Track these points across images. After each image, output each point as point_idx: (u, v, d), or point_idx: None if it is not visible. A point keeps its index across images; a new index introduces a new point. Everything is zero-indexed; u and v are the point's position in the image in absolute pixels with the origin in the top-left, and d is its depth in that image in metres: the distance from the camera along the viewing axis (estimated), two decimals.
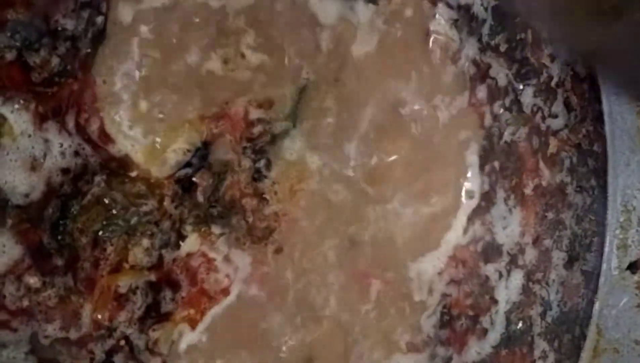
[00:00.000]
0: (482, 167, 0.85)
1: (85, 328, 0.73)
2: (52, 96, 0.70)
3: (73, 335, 0.73)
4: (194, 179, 0.76)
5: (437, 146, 0.84)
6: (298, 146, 0.80)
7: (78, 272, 0.72)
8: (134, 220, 0.74)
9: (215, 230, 0.77)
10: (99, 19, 0.72)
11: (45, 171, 0.70)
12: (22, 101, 0.69)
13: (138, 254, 0.74)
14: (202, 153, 0.76)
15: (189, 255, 0.76)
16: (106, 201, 0.73)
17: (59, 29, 0.70)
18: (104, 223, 0.73)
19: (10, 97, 0.69)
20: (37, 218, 0.71)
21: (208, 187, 0.77)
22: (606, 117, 0.89)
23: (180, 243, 0.76)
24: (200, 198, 0.76)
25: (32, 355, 0.71)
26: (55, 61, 0.70)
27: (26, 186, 0.69)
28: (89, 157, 0.72)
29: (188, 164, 0.76)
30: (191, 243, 0.76)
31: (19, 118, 0.69)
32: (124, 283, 0.74)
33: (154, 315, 0.75)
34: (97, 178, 0.72)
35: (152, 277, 0.75)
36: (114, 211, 0.74)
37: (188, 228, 0.76)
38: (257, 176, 0.78)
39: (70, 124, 0.71)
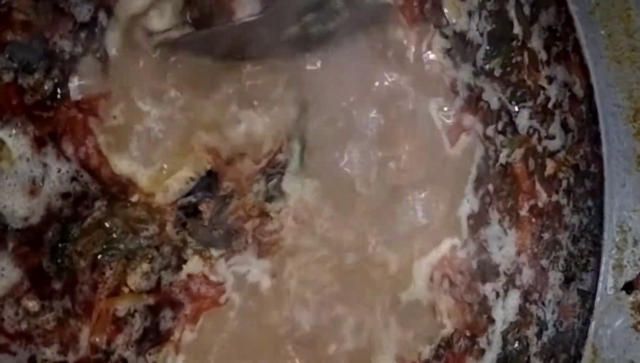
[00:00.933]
0: (476, 189, 0.86)
1: (82, 351, 0.73)
2: (48, 121, 0.70)
3: (71, 358, 0.73)
4: (199, 208, 0.76)
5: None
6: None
7: (76, 295, 0.72)
8: (134, 245, 0.74)
9: (215, 253, 0.77)
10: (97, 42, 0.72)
11: (45, 196, 0.70)
12: (19, 124, 0.69)
13: (137, 278, 0.75)
14: (207, 182, 0.77)
15: (189, 276, 0.77)
16: (107, 224, 0.73)
17: (57, 50, 0.70)
18: (104, 246, 0.74)
19: (8, 120, 0.69)
20: (36, 241, 0.71)
21: (213, 213, 0.77)
22: (603, 138, 0.89)
23: (183, 266, 0.76)
24: (204, 222, 0.77)
25: None
26: (48, 84, 0.70)
27: (25, 210, 0.69)
28: (89, 184, 0.72)
29: (191, 192, 0.76)
30: (192, 266, 0.76)
31: (16, 142, 0.69)
32: (122, 307, 0.74)
33: (151, 337, 0.75)
34: (98, 203, 0.72)
35: (151, 301, 0.75)
36: (114, 236, 0.74)
37: (189, 251, 0.76)
38: (269, 197, 0.79)
39: (69, 150, 0.71)
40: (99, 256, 0.73)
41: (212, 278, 0.77)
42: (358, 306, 0.82)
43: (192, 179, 0.76)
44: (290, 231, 0.80)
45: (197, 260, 0.77)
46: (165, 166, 0.75)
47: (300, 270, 0.80)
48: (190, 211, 0.76)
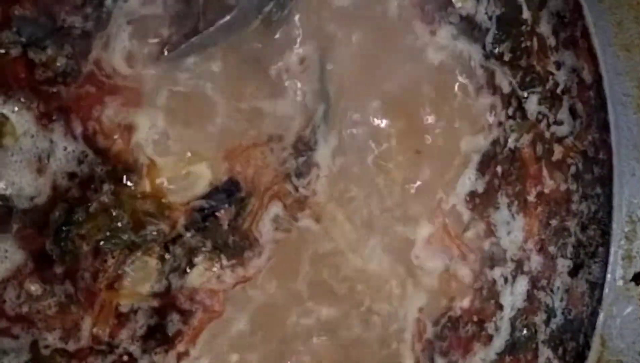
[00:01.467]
0: (483, 171, 0.85)
1: (84, 341, 0.72)
2: (56, 95, 0.69)
3: (72, 347, 0.72)
4: (216, 214, 0.75)
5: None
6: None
7: (78, 281, 0.71)
8: (138, 237, 0.73)
9: (225, 262, 0.76)
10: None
11: (51, 174, 0.68)
12: (23, 100, 0.68)
13: (145, 281, 0.74)
14: (229, 189, 0.76)
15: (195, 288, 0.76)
16: (114, 213, 0.72)
17: (66, 26, 0.69)
18: (108, 234, 0.72)
19: (12, 95, 0.67)
20: (41, 222, 0.69)
21: (231, 217, 0.76)
22: (612, 127, 0.88)
23: (188, 270, 0.75)
24: (224, 226, 0.76)
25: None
26: (61, 60, 0.69)
27: (32, 189, 0.68)
28: (94, 166, 0.71)
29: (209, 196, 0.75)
30: (198, 274, 0.76)
31: (20, 118, 0.67)
32: (125, 303, 0.73)
33: (158, 337, 0.74)
34: (106, 187, 0.71)
35: (155, 303, 0.74)
36: (120, 224, 0.72)
37: (201, 256, 0.75)
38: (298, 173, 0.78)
39: (78, 128, 0.70)
40: (102, 243, 0.72)
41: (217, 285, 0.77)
42: None
43: (211, 184, 0.75)
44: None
45: (203, 269, 0.76)
46: (189, 153, 0.74)
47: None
48: (208, 215, 0.75)
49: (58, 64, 0.68)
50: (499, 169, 0.85)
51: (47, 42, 0.68)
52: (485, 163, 0.85)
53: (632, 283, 0.89)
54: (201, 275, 0.75)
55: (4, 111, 0.67)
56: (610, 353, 0.88)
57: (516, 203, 0.86)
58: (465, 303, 0.84)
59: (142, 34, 0.72)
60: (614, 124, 0.89)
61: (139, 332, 0.73)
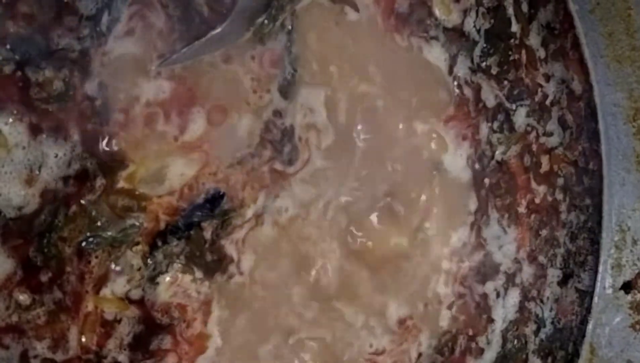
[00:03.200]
0: (476, 187, 0.85)
1: (72, 350, 0.71)
2: (52, 114, 0.69)
3: (60, 357, 0.71)
4: (202, 224, 0.75)
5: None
6: None
7: (64, 286, 0.71)
8: (119, 233, 0.72)
9: (198, 274, 0.76)
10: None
11: (41, 184, 0.68)
12: (15, 112, 0.67)
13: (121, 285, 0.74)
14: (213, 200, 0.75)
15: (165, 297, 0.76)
16: (93, 213, 0.71)
17: (61, 48, 0.68)
18: (88, 234, 0.71)
19: (4, 108, 0.67)
20: (28, 231, 0.69)
21: (214, 232, 0.76)
22: (602, 137, 0.89)
23: (159, 278, 0.75)
24: (206, 239, 0.76)
25: None
26: (57, 84, 0.68)
27: (20, 199, 0.68)
28: (87, 161, 0.70)
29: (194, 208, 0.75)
30: (166, 285, 0.75)
31: (13, 130, 0.67)
32: (107, 309, 0.73)
33: (144, 349, 0.74)
34: (99, 182, 0.71)
35: (136, 312, 0.74)
36: (99, 223, 0.72)
37: (176, 265, 0.75)
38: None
39: (73, 135, 0.70)
40: (84, 244, 0.71)
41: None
42: None
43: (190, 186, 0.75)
44: None
45: (169, 282, 0.75)
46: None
47: None
48: (193, 224, 0.75)
49: (54, 87, 0.68)
50: (486, 181, 0.86)
51: (43, 63, 0.67)
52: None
53: (622, 292, 0.89)
54: (167, 289, 0.75)
55: None
56: (599, 361, 0.89)
57: (507, 215, 0.86)
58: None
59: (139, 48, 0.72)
60: (605, 134, 0.89)
61: (126, 340, 0.73)
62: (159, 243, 0.74)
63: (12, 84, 0.66)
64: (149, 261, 0.73)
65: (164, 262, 0.74)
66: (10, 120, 0.67)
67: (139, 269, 0.73)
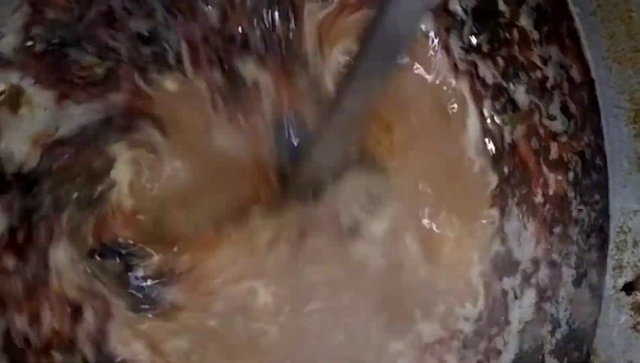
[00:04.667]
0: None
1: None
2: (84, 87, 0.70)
3: (35, 339, 0.68)
4: None
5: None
6: None
7: (37, 241, 0.68)
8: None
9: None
10: None
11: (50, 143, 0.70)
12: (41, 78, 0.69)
13: None
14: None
15: None
16: (74, 171, 0.71)
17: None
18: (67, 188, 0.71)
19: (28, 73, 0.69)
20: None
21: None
22: (605, 138, 0.89)
23: None
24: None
25: (5, 353, 0.67)
26: (99, 70, 0.70)
27: (23, 156, 0.69)
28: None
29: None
30: None
31: (39, 92, 0.69)
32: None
33: None
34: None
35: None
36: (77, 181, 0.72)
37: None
38: None
39: None
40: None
41: None
42: None
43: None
44: None
45: None
46: None
47: None
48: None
49: (96, 72, 0.70)
50: (505, 169, 0.82)
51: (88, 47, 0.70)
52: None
53: (623, 293, 0.88)
54: None
55: (22, 85, 0.68)
56: (601, 362, 0.87)
57: (524, 207, 0.84)
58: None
59: None
60: (607, 135, 0.89)
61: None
62: None
63: (48, 63, 0.68)
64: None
65: None
66: (34, 82, 0.68)
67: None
